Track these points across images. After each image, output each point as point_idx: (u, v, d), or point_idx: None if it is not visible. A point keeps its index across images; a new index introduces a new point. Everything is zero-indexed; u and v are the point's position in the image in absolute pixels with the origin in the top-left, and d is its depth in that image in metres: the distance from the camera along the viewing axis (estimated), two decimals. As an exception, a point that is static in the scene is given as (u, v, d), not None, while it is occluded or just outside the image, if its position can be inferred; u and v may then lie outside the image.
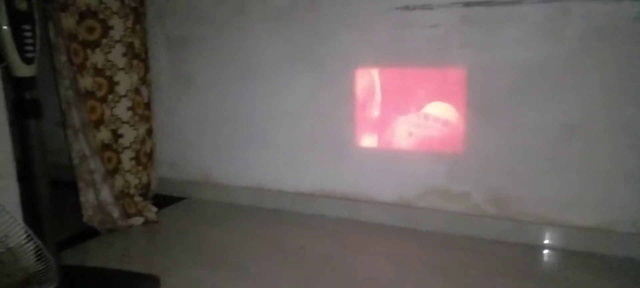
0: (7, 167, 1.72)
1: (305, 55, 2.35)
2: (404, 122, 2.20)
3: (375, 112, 2.25)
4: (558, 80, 1.90)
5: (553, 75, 1.91)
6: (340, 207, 2.38)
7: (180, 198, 2.77)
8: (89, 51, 2.21)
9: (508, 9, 1.92)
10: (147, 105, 2.52)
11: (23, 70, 1.44)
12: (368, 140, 2.30)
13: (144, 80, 2.49)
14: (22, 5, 1.42)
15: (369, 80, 2.25)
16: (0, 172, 1.69)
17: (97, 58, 2.24)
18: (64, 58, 2.19)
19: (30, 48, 1.44)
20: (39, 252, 1.49)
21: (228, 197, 2.68)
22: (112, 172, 2.32)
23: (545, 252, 1.98)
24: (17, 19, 1.41)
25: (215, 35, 2.56)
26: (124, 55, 2.31)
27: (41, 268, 1.49)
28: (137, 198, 2.44)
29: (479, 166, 2.09)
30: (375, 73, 2.23)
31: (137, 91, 2.41)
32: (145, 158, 2.51)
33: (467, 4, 1.98)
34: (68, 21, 2.15)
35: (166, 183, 2.81)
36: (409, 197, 2.25)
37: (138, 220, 2.36)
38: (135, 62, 2.39)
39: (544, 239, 2.01)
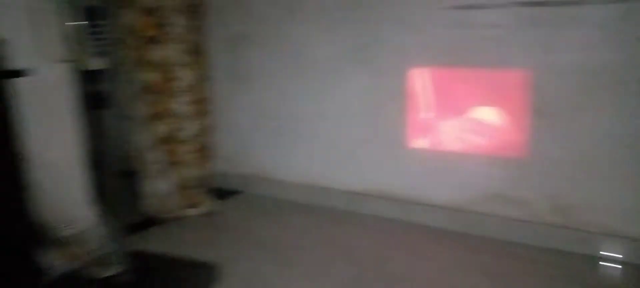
0: (77, 155, 1.83)
1: (359, 53, 2.35)
2: (461, 124, 2.15)
3: (430, 112, 2.22)
4: (625, 83, 1.80)
5: (619, 79, 1.80)
6: (392, 208, 2.36)
7: (235, 192, 2.84)
8: (150, 47, 2.31)
9: (571, 10, 1.83)
10: (206, 101, 2.60)
11: (95, 63, 1.53)
12: (423, 141, 2.27)
13: (203, 76, 2.57)
14: (96, 2, 1.51)
15: (424, 80, 2.21)
16: (71, 159, 1.81)
17: (157, 54, 2.33)
18: (127, 53, 2.29)
19: (101, 42, 1.53)
20: (107, 237, 1.59)
21: (281, 192, 2.72)
22: (172, 164, 2.41)
23: (608, 264, 1.88)
24: (91, 15, 1.50)
25: (271, 34, 2.60)
26: (185, 51, 2.39)
27: (108, 252, 1.58)
28: (195, 190, 2.52)
29: (541, 172, 2.01)
30: (431, 73, 2.20)
31: (196, 86, 2.49)
32: (203, 151, 2.59)
33: (528, 4, 1.91)
34: (132, 17, 2.25)
35: (222, 176, 2.89)
36: (465, 201, 2.19)
37: (195, 211, 2.45)
38: (195, 58, 2.47)
39: (606, 251, 1.90)
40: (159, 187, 2.41)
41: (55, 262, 1.72)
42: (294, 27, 2.52)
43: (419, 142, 2.27)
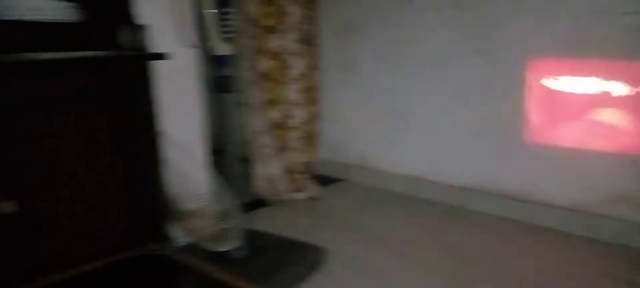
0: (197, 135, 1.96)
1: (475, 43, 2.25)
2: (587, 119, 1.99)
3: (552, 105, 2.07)
4: None
5: None
6: (505, 206, 2.25)
7: (338, 180, 2.87)
8: (268, 36, 2.39)
9: None
10: (315, 89, 2.66)
11: (222, 49, 1.62)
12: (542, 136, 2.12)
13: (313, 65, 2.62)
14: (225, -9, 1.59)
15: (546, 71, 2.07)
16: (196, 138, 1.93)
17: (274, 42, 2.41)
18: (246, 42, 2.40)
19: (229, 29, 1.61)
20: (226, 214, 1.69)
21: (384, 183, 2.71)
22: (281, 149, 2.50)
23: None
24: (220, 3, 1.58)
25: (382, 23, 2.58)
26: (298, 40, 2.46)
27: (226, 228, 1.68)
28: (301, 175, 2.59)
29: (680, 175, 1.81)
30: (555, 64, 2.05)
31: (307, 75, 2.55)
32: (310, 138, 2.65)
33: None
34: (252, 7, 2.35)
35: (326, 164, 2.93)
36: (589, 202, 2.03)
37: (301, 196, 2.52)
38: (306, 47, 2.53)
39: None
40: (268, 171, 2.50)
41: (178, 233, 1.85)
42: (405, 15, 2.47)
43: (538, 137, 2.13)
